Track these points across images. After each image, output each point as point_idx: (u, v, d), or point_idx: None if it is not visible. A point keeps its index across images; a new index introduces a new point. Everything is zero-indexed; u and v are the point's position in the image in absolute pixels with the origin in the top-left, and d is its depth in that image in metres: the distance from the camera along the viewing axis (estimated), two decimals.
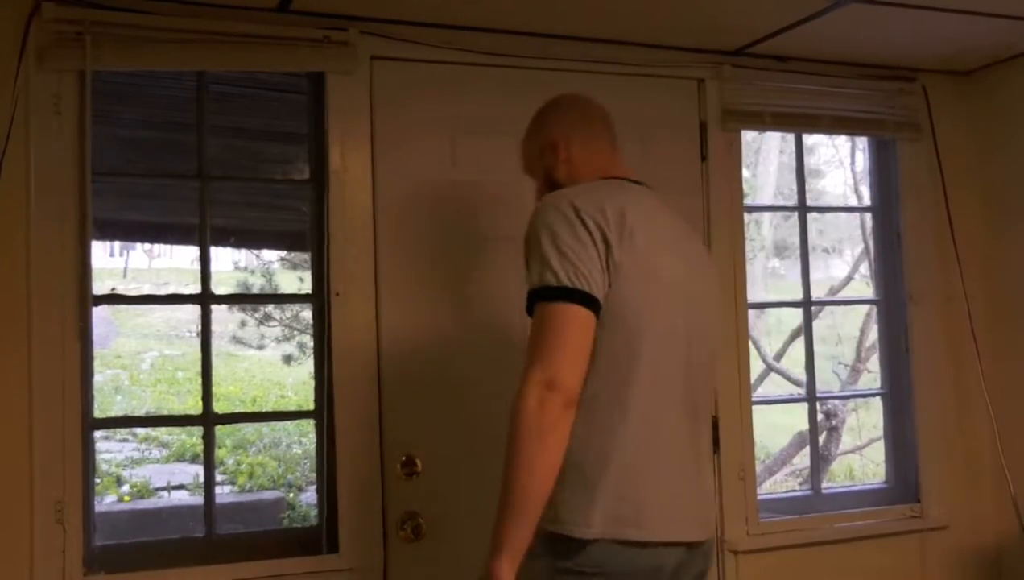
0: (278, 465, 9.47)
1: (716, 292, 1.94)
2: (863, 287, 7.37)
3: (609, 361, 1.63)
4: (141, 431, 10.43)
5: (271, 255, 10.51)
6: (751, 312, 3.03)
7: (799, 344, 6.05)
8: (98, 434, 2.48)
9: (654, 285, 1.68)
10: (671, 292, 1.71)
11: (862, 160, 7.79)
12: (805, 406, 3.29)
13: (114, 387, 12.28)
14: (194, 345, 12.25)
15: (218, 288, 2.75)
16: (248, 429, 9.95)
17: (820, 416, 5.87)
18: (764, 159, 8.72)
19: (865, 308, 6.55)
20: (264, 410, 10.63)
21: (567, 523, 1.61)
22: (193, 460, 9.16)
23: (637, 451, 1.63)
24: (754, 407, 2.96)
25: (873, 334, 5.97)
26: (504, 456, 1.56)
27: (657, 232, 1.73)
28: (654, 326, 1.67)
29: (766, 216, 9.20)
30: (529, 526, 1.55)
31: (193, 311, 3.53)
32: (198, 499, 4.56)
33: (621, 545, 1.60)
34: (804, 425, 5.41)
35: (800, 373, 5.54)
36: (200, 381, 2.55)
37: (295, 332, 9.71)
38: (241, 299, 10.20)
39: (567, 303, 1.59)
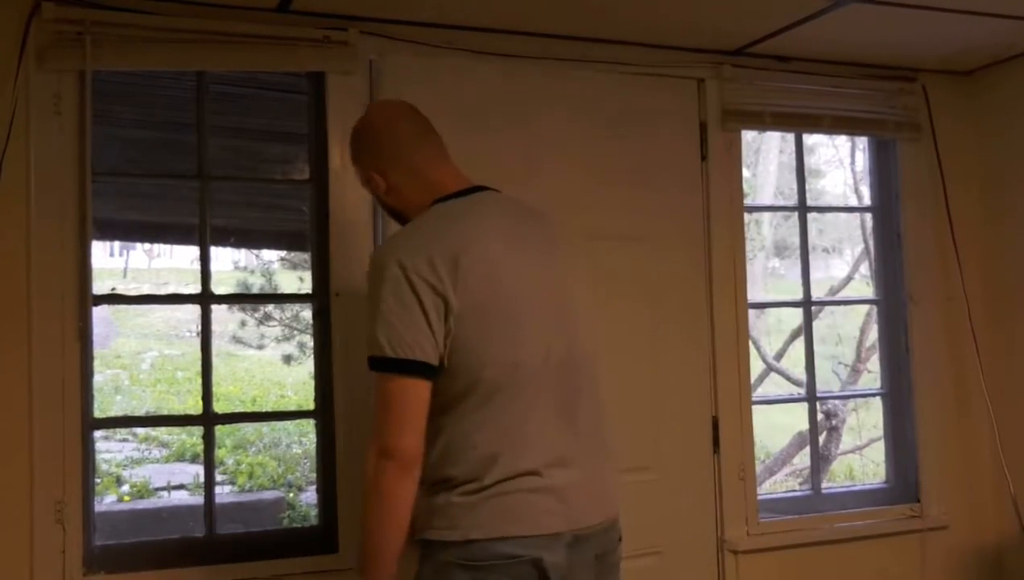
0: (278, 465, 9.47)
1: (567, 278, 1.88)
2: (863, 287, 7.36)
3: (456, 403, 1.71)
4: (141, 431, 10.43)
5: (271, 255, 10.51)
6: (751, 312, 3.03)
7: (799, 344, 6.06)
8: (98, 434, 2.48)
9: (494, 314, 1.70)
10: (518, 308, 1.73)
11: (862, 160, 7.78)
12: (805, 406, 3.29)
13: (114, 387, 12.28)
14: (194, 345, 12.25)
15: (218, 288, 2.75)
16: (248, 429, 9.95)
17: (820, 416, 5.87)
18: (764, 159, 8.72)
19: (865, 308, 6.54)
20: (264, 410, 10.63)
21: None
22: (193, 460, 9.16)
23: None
24: (754, 407, 2.95)
25: (873, 334, 5.97)
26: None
27: (494, 253, 1.73)
28: (497, 355, 1.70)
29: (766, 216, 9.20)
30: (384, 570, 1.70)
31: (193, 311, 3.54)
32: (198, 499, 4.57)
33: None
34: (804, 425, 5.42)
35: (800, 373, 5.54)
36: (200, 381, 2.55)
37: (295, 332, 9.71)
38: (241, 299, 10.20)
39: (395, 375, 1.65)
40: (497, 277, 1.72)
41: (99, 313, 2.49)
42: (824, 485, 3.73)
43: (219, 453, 9.30)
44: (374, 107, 1.93)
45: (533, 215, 1.90)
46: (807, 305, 3.26)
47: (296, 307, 8.85)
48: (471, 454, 1.70)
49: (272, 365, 12.14)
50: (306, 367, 9.34)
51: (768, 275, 10.27)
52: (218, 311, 5.11)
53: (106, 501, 7.61)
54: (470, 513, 1.68)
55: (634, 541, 2.07)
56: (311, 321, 2.61)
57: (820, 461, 4.46)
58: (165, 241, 10.57)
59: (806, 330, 3.29)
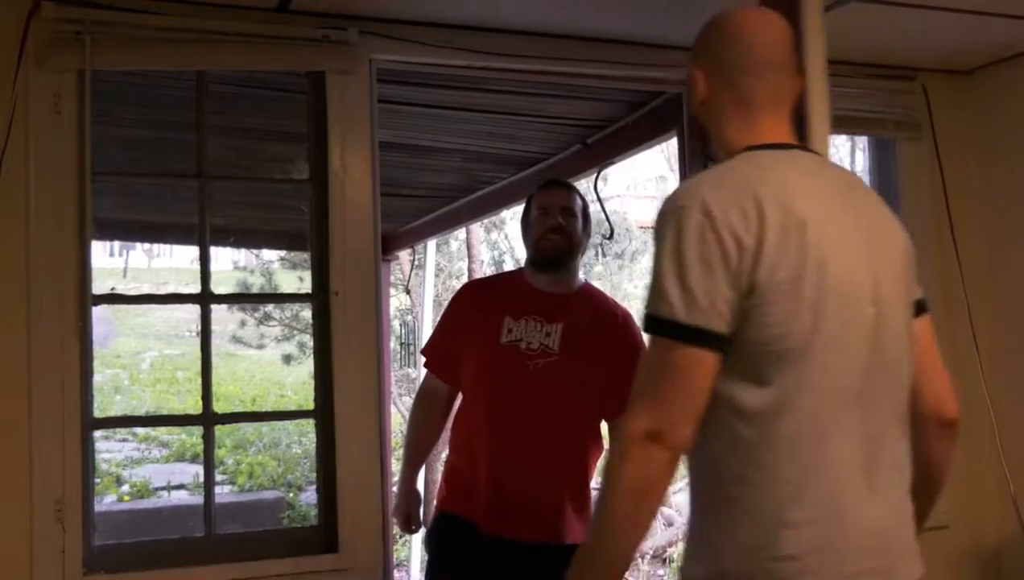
0: (278, 465, 9.48)
1: (906, 279, 1.47)
2: None
3: (763, 395, 1.32)
4: (141, 431, 10.45)
5: (271, 255, 10.51)
6: None
7: None
8: (98, 434, 2.48)
9: (819, 306, 1.31)
10: (843, 303, 1.33)
11: (862, 160, 7.78)
12: None
13: (114, 387, 12.29)
14: (194, 345, 12.25)
15: (218, 288, 2.75)
16: (248, 429, 9.97)
17: None
18: None
19: None
20: (264, 410, 10.65)
21: None
22: (193, 460, 9.17)
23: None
24: None
25: None
26: (596, 508, 1.34)
27: (828, 229, 1.34)
28: (815, 354, 1.31)
29: None
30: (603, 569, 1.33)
31: (193, 311, 3.53)
32: (198, 499, 4.57)
33: None
34: None
35: None
36: (200, 381, 2.55)
37: (295, 332, 9.72)
38: (241, 299, 10.20)
39: (685, 345, 1.29)
40: (830, 257, 1.32)
41: (99, 313, 2.48)
42: None
43: (219, 453, 9.31)
44: (752, 9, 1.54)
45: (861, 187, 1.53)
46: None
47: (296, 307, 8.86)
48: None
49: (272, 365, 12.16)
50: (306, 367, 9.36)
51: None
52: (218, 311, 5.11)
53: (106, 501, 7.62)
54: None
55: None
56: (311, 321, 2.61)
57: None
58: (165, 241, 10.59)
59: None
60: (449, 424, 2.66)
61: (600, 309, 2.60)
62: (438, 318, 2.86)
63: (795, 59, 1.49)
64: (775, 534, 1.29)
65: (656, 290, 1.31)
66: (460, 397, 2.60)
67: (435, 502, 2.62)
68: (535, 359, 2.43)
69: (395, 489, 2.73)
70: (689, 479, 1.44)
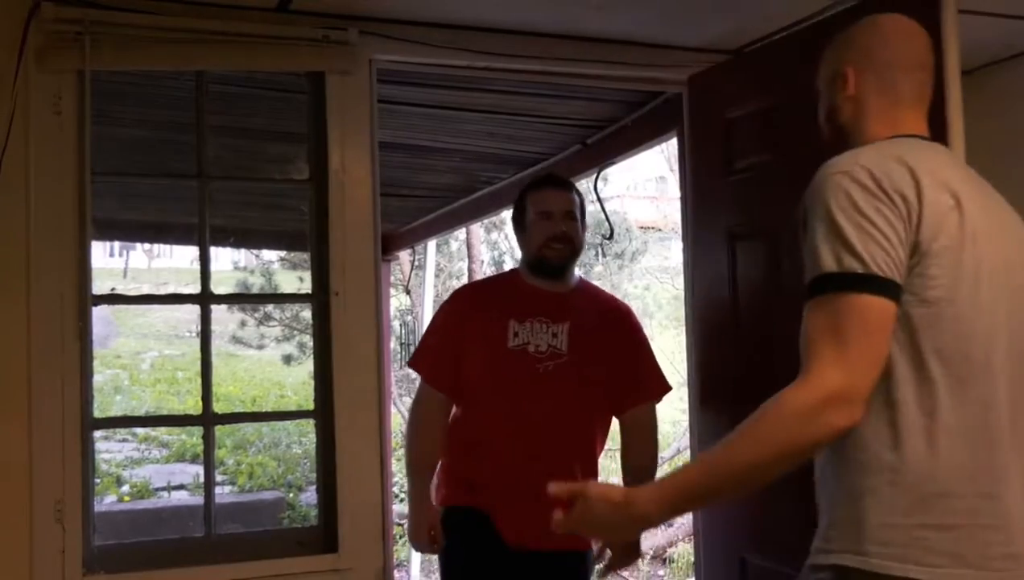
0: (278, 465, 9.48)
1: None
2: None
3: (925, 362, 1.32)
4: (141, 431, 10.44)
5: (271, 255, 10.51)
6: None
7: None
8: (98, 434, 2.48)
9: (977, 278, 1.34)
10: (992, 285, 1.37)
11: None
12: None
13: (114, 387, 12.29)
14: (194, 345, 12.27)
15: (218, 288, 2.75)
16: (248, 429, 9.96)
17: None
18: None
19: None
20: (264, 410, 10.65)
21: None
22: (193, 460, 9.17)
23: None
24: None
25: None
26: (736, 437, 1.30)
27: (976, 209, 1.39)
28: (975, 324, 1.34)
29: None
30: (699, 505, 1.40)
31: (193, 311, 3.53)
32: (198, 499, 4.58)
33: None
34: None
35: None
36: (200, 381, 2.55)
37: (295, 332, 9.72)
38: (241, 299, 10.19)
39: (874, 296, 1.27)
40: (980, 237, 1.36)
41: (99, 313, 2.49)
42: None
43: (219, 453, 9.30)
44: (900, 16, 1.59)
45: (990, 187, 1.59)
46: None
47: (296, 307, 8.86)
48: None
49: (272, 365, 12.15)
50: (306, 367, 9.35)
51: None
52: (218, 311, 5.11)
53: (106, 501, 7.62)
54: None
55: None
56: (311, 321, 2.61)
57: None
58: (165, 241, 10.59)
59: None
60: None
61: (603, 305, 2.60)
62: (428, 326, 2.72)
63: (933, 63, 1.59)
64: (932, 503, 1.29)
65: (834, 247, 1.30)
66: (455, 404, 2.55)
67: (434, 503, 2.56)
68: (544, 362, 2.41)
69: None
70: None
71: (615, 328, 2.53)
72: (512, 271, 2.69)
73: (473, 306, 2.57)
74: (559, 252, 2.45)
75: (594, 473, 2.51)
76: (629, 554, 2.48)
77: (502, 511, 2.38)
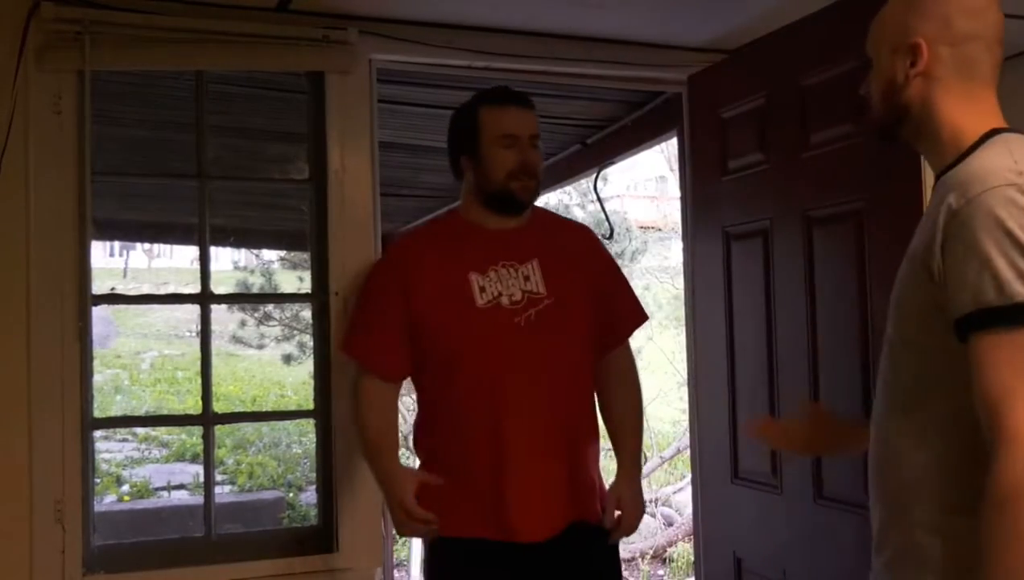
0: (278, 465, 9.48)
1: None
2: None
3: None
4: (141, 431, 10.44)
5: (271, 255, 10.50)
6: None
7: None
8: (98, 434, 2.48)
9: None
10: None
11: None
12: None
13: (114, 387, 12.29)
14: (194, 345, 12.27)
15: (218, 288, 2.75)
16: (248, 429, 9.96)
17: None
18: None
19: None
20: (264, 410, 10.65)
21: None
22: (193, 460, 9.17)
23: None
24: None
25: None
26: (995, 536, 1.15)
27: None
28: None
29: None
30: None
31: (193, 311, 3.54)
32: (198, 499, 4.57)
33: None
34: None
35: None
36: (200, 381, 2.55)
37: (295, 332, 9.71)
38: (241, 299, 10.19)
39: None
40: None
41: (99, 313, 2.49)
42: None
43: (219, 453, 9.30)
44: None
45: None
46: None
47: (296, 307, 8.84)
48: None
49: (272, 365, 12.15)
50: (306, 367, 9.34)
51: None
52: (218, 311, 5.11)
53: (106, 501, 7.62)
54: None
55: None
56: (311, 321, 2.61)
57: None
58: (165, 241, 10.60)
59: None
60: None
61: (565, 230, 2.24)
62: (360, 295, 2.22)
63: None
64: None
65: (1021, 272, 1.17)
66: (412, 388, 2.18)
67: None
68: (524, 312, 2.01)
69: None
70: (899, 482, 1.33)
71: (584, 253, 2.17)
72: (451, 212, 2.24)
73: (419, 263, 2.09)
74: (527, 187, 2.06)
75: (596, 431, 2.17)
76: (640, 508, 2.17)
77: (515, 513, 1.98)
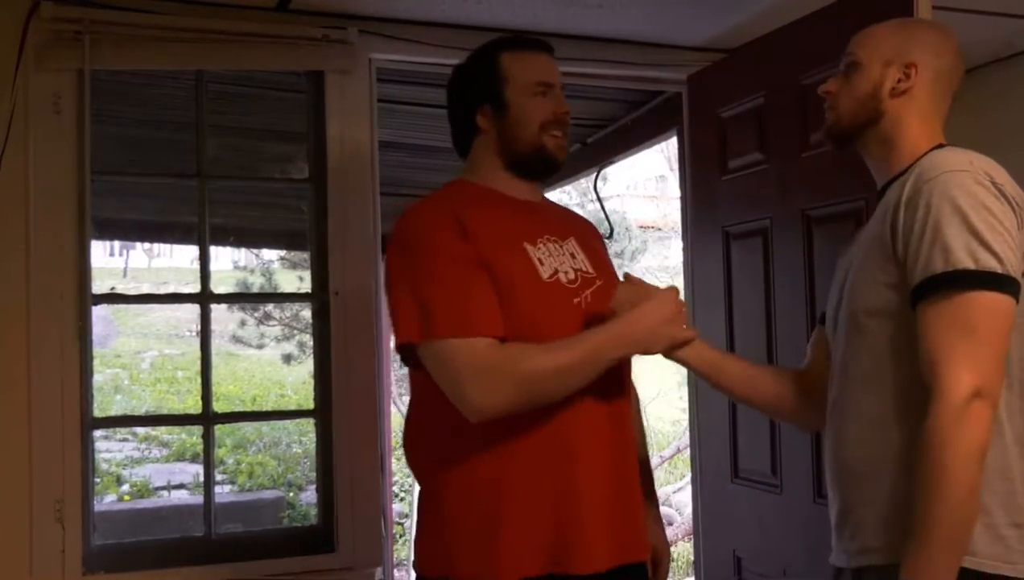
0: (278, 464, 9.48)
1: None
2: None
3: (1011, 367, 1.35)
4: (141, 431, 10.42)
5: (271, 254, 10.50)
6: None
7: None
8: (98, 433, 2.48)
9: None
10: None
11: None
12: None
13: (114, 387, 12.28)
14: (194, 345, 12.25)
15: (218, 287, 2.75)
16: (248, 428, 9.96)
17: None
18: None
19: None
20: (264, 410, 10.65)
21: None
22: (193, 459, 9.16)
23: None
24: None
25: None
26: (923, 485, 1.25)
27: None
28: None
29: None
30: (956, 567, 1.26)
31: (193, 310, 3.53)
32: (198, 499, 4.58)
33: None
34: None
35: None
36: (200, 381, 2.55)
37: (295, 331, 9.71)
38: (241, 298, 10.20)
39: (1006, 296, 1.28)
40: None
41: (99, 313, 2.49)
42: None
43: (219, 453, 9.30)
44: (950, 31, 1.59)
45: None
46: None
47: (296, 306, 8.85)
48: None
49: (272, 364, 12.15)
50: (306, 366, 9.35)
51: None
52: (218, 311, 5.11)
53: (106, 501, 7.61)
54: None
55: None
56: (311, 320, 2.61)
57: None
58: (165, 241, 10.59)
59: None
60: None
61: (575, 218, 1.94)
62: (428, 270, 1.58)
63: None
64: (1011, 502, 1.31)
65: (968, 244, 1.28)
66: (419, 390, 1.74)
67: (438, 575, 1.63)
68: (581, 292, 1.67)
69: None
70: (865, 457, 1.40)
71: (600, 245, 1.89)
72: (459, 182, 1.77)
73: (471, 227, 1.61)
74: (560, 143, 1.73)
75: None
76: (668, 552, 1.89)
77: (588, 536, 1.58)
